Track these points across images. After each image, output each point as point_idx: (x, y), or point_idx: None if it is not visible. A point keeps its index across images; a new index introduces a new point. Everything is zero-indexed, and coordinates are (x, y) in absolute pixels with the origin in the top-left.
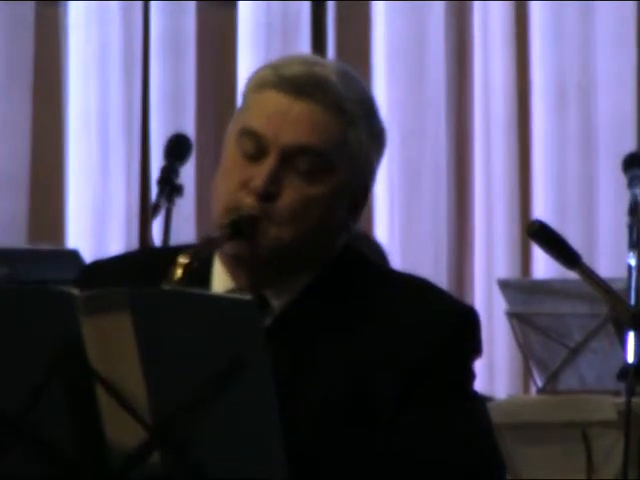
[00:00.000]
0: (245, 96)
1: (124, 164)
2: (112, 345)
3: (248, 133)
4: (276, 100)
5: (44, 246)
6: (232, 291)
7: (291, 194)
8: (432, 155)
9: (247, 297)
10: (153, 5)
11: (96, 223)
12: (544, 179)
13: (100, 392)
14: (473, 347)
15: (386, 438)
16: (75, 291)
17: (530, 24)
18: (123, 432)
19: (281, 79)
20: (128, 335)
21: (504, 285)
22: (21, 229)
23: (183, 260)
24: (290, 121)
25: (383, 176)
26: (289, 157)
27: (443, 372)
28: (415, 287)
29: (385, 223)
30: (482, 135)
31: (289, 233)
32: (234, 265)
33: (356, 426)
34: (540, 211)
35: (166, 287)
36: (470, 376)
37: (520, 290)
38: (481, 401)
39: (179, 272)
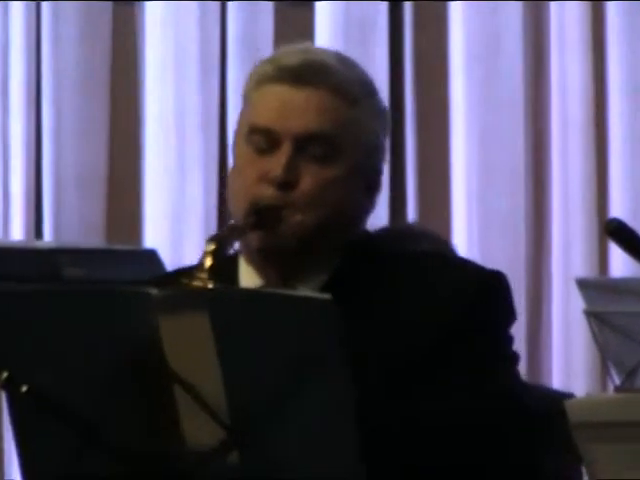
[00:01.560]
0: (246, 95)
1: (201, 165)
2: (190, 345)
3: (258, 130)
4: (279, 92)
5: (121, 246)
6: (262, 287)
7: (309, 180)
8: (509, 156)
9: (327, 296)
10: (230, 6)
11: (173, 224)
12: (621, 178)
13: (178, 392)
14: (502, 309)
15: (422, 404)
16: (153, 290)
17: (607, 25)
18: (201, 432)
19: (281, 71)
20: (206, 334)
21: (582, 284)
22: (98, 231)
23: (209, 247)
24: (296, 110)
25: (460, 177)
26: (301, 145)
27: (474, 337)
28: (440, 259)
29: (463, 224)
30: (559, 135)
31: (312, 218)
32: (262, 260)
33: (393, 391)
34: (617, 210)
35: (197, 276)
36: (504, 340)
37: (598, 289)
38: (513, 364)
39: (208, 260)
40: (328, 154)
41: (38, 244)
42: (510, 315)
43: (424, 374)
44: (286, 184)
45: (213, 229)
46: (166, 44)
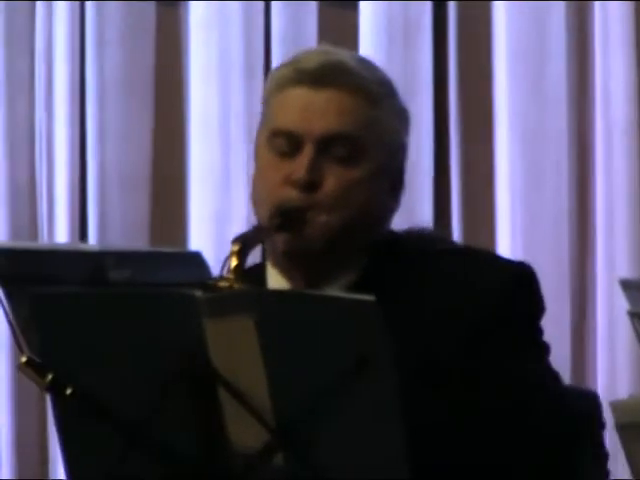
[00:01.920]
0: (267, 98)
1: (245, 167)
2: (235, 347)
3: (280, 133)
4: (300, 95)
5: (166, 248)
6: (295, 289)
7: (333, 180)
8: (554, 155)
9: (370, 297)
10: (274, 6)
11: (217, 227)
12: None
13: (223, 394)
14: (532, 301)
15: (459, 400)
16: (198, 293)
17: None
18: (246, 434)
19: (301, 73)
20: (251, 337)
21: (626, 285)
22: (143, 233)
23: (235, 247)
24: (318, 112)
25: (504, 176)
26: (324, 146)
27: (505, 329)
28: (468, 254)
29: (507, 223)
30: (603, 134)
31: (336, 219)
32: (287, 264)
33: (427, 390)
34: None
35: (224, 276)
36: (534, 330)
37: None
38: (544, 353)
39: (234, 260)
40: (351, 155)
41: (83, 246)
42: (540, 307)
43: (458, 370)
44: (310, 185)
45: None
46: (210, 45)
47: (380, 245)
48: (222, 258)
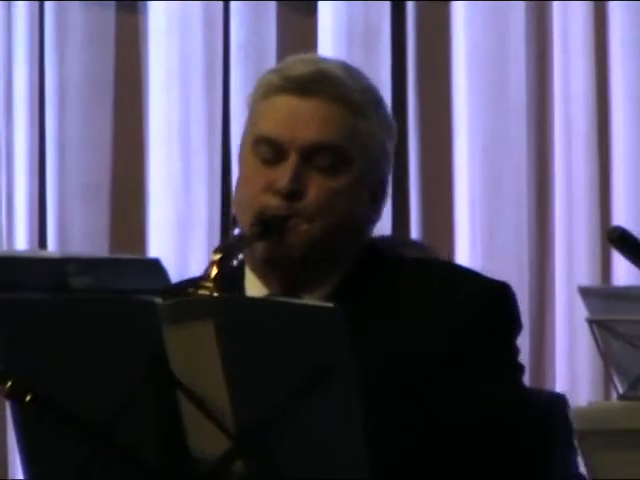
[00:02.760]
0: (253, 104)
1: (205, 174)
2: (195, 353)
3: (263, 141)
4: (285, 103)
5: (126, 255)
6: (267, 296)
7: (315, 190)
8: (513, 163)
9: (332, 305)
10: (233, 11)
11: (178, 232)
12: (625, 186)
13: (183, 401)
14: (509, 320)
15: (427, 411)
16: (158, 300)
17: (610, 27)
18: (207, 441)
19: (287, 81)
20: (211, 343)
21: (585, 292)
22: (103, 239)
23: (216, 257)
24: (302, 121)
25: (464, 184)
26: (308, 155)
27: (480, 345)
28: (446, 269)
29: (466, 231)
30: (563, 142)
31: (318, 228)
32: (267, 270)
33: (400, 402)
34: (621, 218)
35: (203, 285)
36: (510, 349)
37: (601, 297)
38: (519, 373)
39: (214, 269)
40: (334, 164)
41: (44, 253)
42: (517, 325)
43: (435, 381)
44: (292, 194)
45: (217, 238)
46: (170, 51)
47: (360, 254)
48: (182, 265)
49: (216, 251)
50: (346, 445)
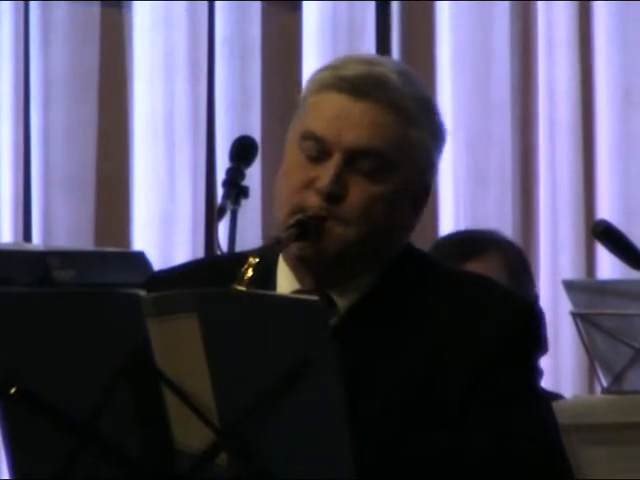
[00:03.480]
0: (305, 99)
1: (190, 167)
2: (179, 347)
3: (310, 136)
4: (336, 102)
5: (110, 249)
6: (298, 292)
7: (357, 194)
8: (497, 158)
9: (315, 298)
10: (218, 8)
11: (162, 226)
12: (609, 181)
13: (168, 394)
14: (538, 344)
15: (451, 437)
16: (142, 293)
17: (594, 25)
18: (190, 434)
19: (340, 80)
20: (195, 337)
21: (569, 286)
22: (87, 233)
23: (253, 260)
24: (351, 122)
25: (448, 180)
26: (352, 158)
27: (509, 370)
28: (479, 285)
29: (450, 225)
30: (547, 138)
31: (355, 232)
32: (300, 266)
33: (423, 424)
34: (605, 213)
35: (236, 287)
36: (535, 373)
37: (585, 291)
38: (546, 400)
39: (249, 272)
40: (379, 170)
41: (28, 246)
42: (544, 349)
43: (460, 406)
44: (332, 196)
45: (201, 232)
46: (154, 47)
47: (396, 261)
48: (166, 258)
49: (253, 255)
50: (329, 438)
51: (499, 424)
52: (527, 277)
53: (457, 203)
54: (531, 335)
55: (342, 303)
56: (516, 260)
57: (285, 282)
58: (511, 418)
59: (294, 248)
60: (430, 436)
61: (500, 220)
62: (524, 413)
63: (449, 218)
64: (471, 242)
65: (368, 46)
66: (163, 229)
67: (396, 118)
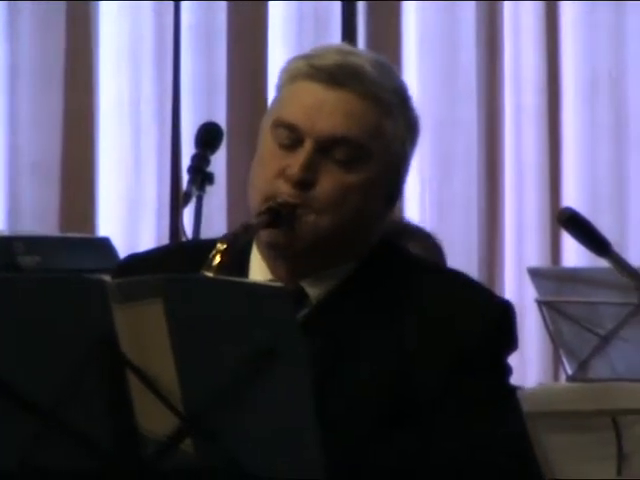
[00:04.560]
0: (279, 88)
1: (155, 153)
2: (145, 333)
3: (283, 125)
4: (310, 90)
5: (75, 234)
6: (270, 281)
7: (328, 182)
8: (463, 145)
9: (280, 284)
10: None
11: (127, 212)
12: (575, 168)
13: (133, 380)
14: (510, 343)
15: (422, 434)
16: (107, 278)
17: (560, 14)
18: (155, 420)
19: (315, 69)
20: (160, 323)
21: (534, 273)
22: (52, 218)
23: (221, 245)
24: (325, 111)
25: (415, 165)
26: (325, 147)
27: (481, 369)
28: (453, 280)
29: (416, 212)
30: (513, 124)
31: (327, 221)
32: (272, 255)
33: (392, 420)
34: (571, 200)
35: (204, 273)
36: (507, 371)
37: (550, 278)
38: (516, 396)
39: (217, 258)
40: (352, 159)
41: None
42: (515, 348)
43: (431, 407)
44: (303, 183)
45: (167, 217)
46: (120, 34)
47: (370, 254)
48: (131, 244)
49: (222, 240)
50: (294, 425)
51: (470, 425)
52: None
53: (423, 189)
54: (504, 334)
55: (314, 294)
56: (431, 249)
57: (257, 271)
58: (482, 419)
59: (265, 235)
60: (398, 436)
61: (465, 207)
62: (495, 414)
63: (415, 204)
64: (385, 232)
65: (334, 33)
66: (128, 215)
67: (371, 108)
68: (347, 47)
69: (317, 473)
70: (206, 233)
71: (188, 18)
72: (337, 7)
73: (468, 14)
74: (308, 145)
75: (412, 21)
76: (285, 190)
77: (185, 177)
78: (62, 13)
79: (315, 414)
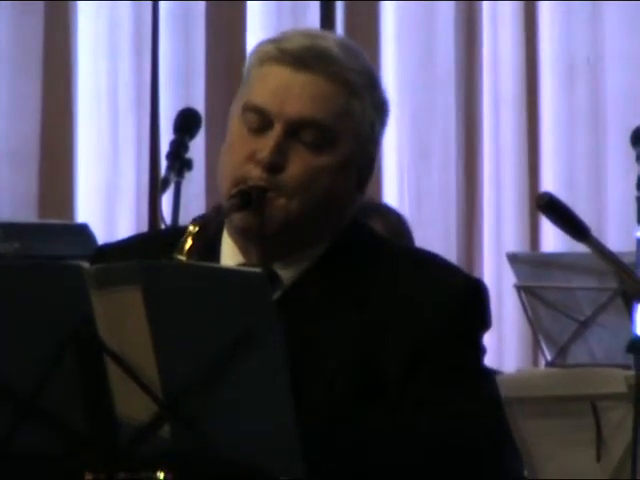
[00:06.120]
0: (247, 72)
1: (134, 140)
2: (123, 318)
3: (252, 108)
4: (278, 74)
5: (54, 221)
6: (242, 265)
7: (298, 165)
8: (442, 132)
9: (258, 270)
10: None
11: (106, 199)
12: (553, 154)
13: (111, 366)
14: (482, 321)
15: (394, 415)
16: (85, 265)
17: (539, 1)
18: (134, 407)
19: (283, 53)
20: (138, 308)
21: (513, 259)
22: (31, 205)
23: (192, 229)
24: (293, 94)
25: (393, 153)
26: (294, 130)
27: (452, 348)
28: (424, 261)
29: (395, 199)
30: (491, 111)
31: (297, 204)
32: (243, 239)
33: (363, 401)
34: (549, 186)
35: (176, 257)
36: (480, 350)
37: (529, 264)
38: (491, 377)
39: (189, 241)
40: (321, 142)
41: None
42: (488, 326)
43: (402, 383)
44: (273, 166)
45: (145, 205)
46: (99, 21)
47: (341, 236)
48: (110, 230)
49: (193, 223)
50: (272, 411)
51: (442, 403)
52: (408, 242)
53: (401, 176)
54: (476, 313)
55: (286, 276)
56: (394, 225)
57: (229, 256)
58: (454, 397)
59: (236, 219)
60: (372, 416)
61: (444, 193)
62: (467, 392)
63: (393, 190)
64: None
65: (313, 18)
66: (107, 201)
67: (338, 90)
68: (314, 30)
69: (294, 457)
70: (185, 219)
71: (166, 4)
72: (315, 6)
73: (446, 2)
74: (277, 128)
75: (390, 19)
76: (255, 174)
77: (164, 164)
78: (41, 2)
79: (292, 397)
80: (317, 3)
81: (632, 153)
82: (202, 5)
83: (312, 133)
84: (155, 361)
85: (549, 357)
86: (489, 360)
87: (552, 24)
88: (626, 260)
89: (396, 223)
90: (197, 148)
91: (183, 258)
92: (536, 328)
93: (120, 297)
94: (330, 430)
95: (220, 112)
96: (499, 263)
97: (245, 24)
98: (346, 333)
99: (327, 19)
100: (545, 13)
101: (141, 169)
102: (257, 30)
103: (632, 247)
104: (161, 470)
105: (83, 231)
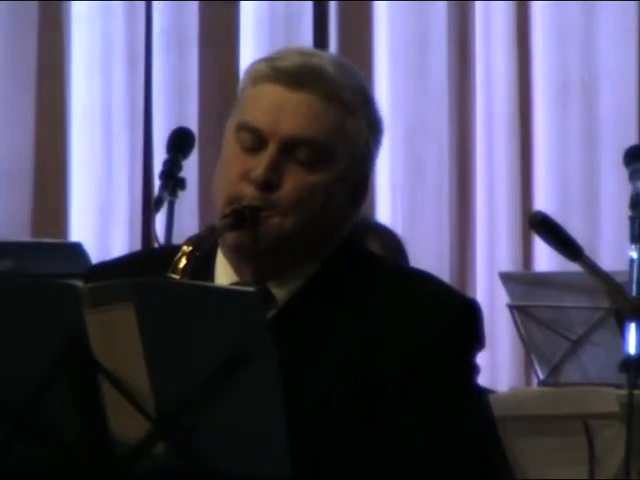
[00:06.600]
0: (241, 91)
1: (127, 158)
2: (116, 337)
3: (246, 127)
4: (272, 92)
5: (47, 239)
6: (236, 284)
7: (292, 183)
8: (435, 150)
9: (251, 289)
10: (155, 4)
11: (99, 217)
12: (546, 173)
13: (105, 384)
14: (476, 340)
15: (387, 433)
16: (78, 283)
17: (532, 19)
18: (128, 424)
19: (277, 71)
20: (131, 327)
21: (506, 278)
22: (24, 223)
23: (186, 248)
24: (287, 113)
25: (386, 171)
26: (288, 148)
27: (445, 367)
28: (418, 280)
29: (388, 217)
30: (484, 129)
31: (291, 222)
32: (237, 258)
33: (358, 419)
34: (542, 205)
35: (170, 276)
36: (473, 370)
37: (522, 283)
38: (484, 396)
39: (183, 260)
40: (315, 160)
41: None
42: (481, 346)
43: (396, 402)
44: (267, 185)
45: (138, 222)
46: (92, 38)
47: (335, 254)
48: (103, 249)
49: (187, 243)
50: (265, 429)
51: (435, 424)
52: (404, 261)
53: (394, 193)
54: (470, 333)
55: (280, 295)
56: (390, 245)
57: (223, 275)
58: (448, 416)
59: (230, 238)
60: (366, 433)
61: (437, 211)
62: (461, 411)
63: (386, 208)
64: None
65: (306, 36)
66: (100, 220)
67: (332, 108)
68: (308, 49)
69: (286, 473)
70: (178, 238)
71: (160, 22)
72: (308, 7)
73: (439, 16)
74: (271, 147)
75: (383, 21)
76: (249, 192)
77: (157, 182)
78: (34, 19)
79: (285, 415)
80: (310, 22)
81: (625, 172)
82: (196, 22)
83: (306, 152)
84: (148, 379)
85: (542, 376)
86: (482, 379)
87: (545, 43)
88: (619, 279)
89: (392, 242)
90: (190, 167)
91: (177, 277)
92: (529, 347)
93: (113, 316)
94: (323, 448)
95: (213, 131)
96: (492, 282)
97: (239, 42)
98: (341, 351)
99: (320, 41)
100: (538, 32)
101: (134, 188)
102: (250, 47)
103: (625, 266)
104: None
105: (76, 250)
